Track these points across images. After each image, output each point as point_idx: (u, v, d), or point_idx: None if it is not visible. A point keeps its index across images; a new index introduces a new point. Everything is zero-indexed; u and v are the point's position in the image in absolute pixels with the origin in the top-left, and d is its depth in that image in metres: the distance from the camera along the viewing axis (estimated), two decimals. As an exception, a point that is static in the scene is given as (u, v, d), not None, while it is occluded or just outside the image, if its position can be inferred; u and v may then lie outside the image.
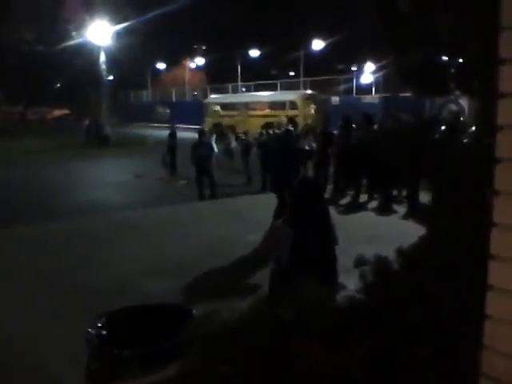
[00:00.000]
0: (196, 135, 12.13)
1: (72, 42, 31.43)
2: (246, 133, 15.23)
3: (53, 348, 4.15)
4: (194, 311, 3.32)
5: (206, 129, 16.00)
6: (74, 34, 31.46)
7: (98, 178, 15.74)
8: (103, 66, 28.81)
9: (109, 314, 3.37)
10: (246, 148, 13.78)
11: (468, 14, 2.60)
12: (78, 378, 3.30)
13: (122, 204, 10.99)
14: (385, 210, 9.36)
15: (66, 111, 48.37)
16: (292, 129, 10.57)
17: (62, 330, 4.44)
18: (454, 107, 18.52)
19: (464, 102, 18.43)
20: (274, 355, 2.45)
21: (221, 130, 18.74)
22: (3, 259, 6.60)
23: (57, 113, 49.01)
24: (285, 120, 15.45)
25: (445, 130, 8.65)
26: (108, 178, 15.39)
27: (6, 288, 5.55)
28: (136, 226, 8.44)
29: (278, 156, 9.47)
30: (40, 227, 8.37)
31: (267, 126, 14.55)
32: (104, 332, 3.13)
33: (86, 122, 27.31)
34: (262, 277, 5.06)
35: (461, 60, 3.04)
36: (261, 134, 13.53)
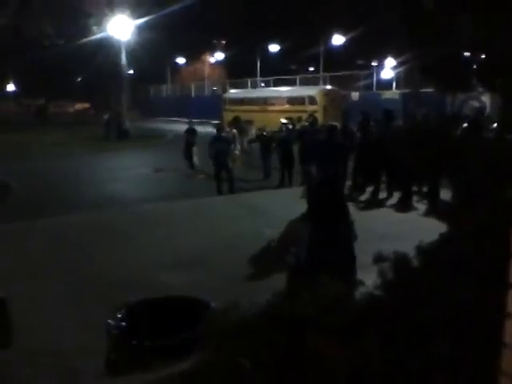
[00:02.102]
0: (214, 130, 12.19)
1: (93, 37, 31.64)
2: (264, 128, 15.15)
3: (72, 339, 4.20)
4: (212, 304, 3.34)
5: (225, 124, 15.99)
6: (94, 28, 31.66)
7: (117, 171, 15.87)
8: (124, 61, 28.96)
9: (128, 305, 3.42)
10: (265, 143, 13.70)
11: (491, 12, 2.57)
12: (96, 369, 3.36)
13: (141, 197, 11.07)
14: (404, 206, 9.27)
15: (87, 105, 48.87)
16: (337, 124, 10.55)
17: (81, 319, 4.50)
18: (475, 104, 18.28)
19: (486, 99, 18.19)
20: (290, 349, 2.46)
21: (240, 125, 18.70)
22: (23, 250, 6.71)
23: (78, 106, 49.58)
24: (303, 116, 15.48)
25: (466, 126, 8.55)
26: (127, 172, 15.51)
27: (27, 279, 5.64)
28: (154, 219, 8.50)
29: (324, 150, 9.49)
30: (59, 219, 8.48)
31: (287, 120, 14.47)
32: (123, 323, 3.18)
33: (106, 116, 27.51)
34: (280, 272, 5.06)
35: (483, 56, 3.00)
36: (280, 129, 13.43)
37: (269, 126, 15.32)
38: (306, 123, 13.35)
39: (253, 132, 17.54)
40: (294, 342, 2.49)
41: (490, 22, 2.65)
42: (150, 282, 5.45)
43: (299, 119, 15.53)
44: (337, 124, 10.68)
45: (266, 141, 13.70)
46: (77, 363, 3.85)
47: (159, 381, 2.74)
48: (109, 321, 3.12)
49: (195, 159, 15.07)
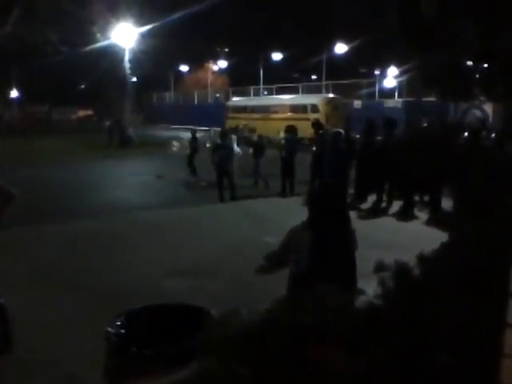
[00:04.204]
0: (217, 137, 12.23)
1: (97, 44, 31.83)
2: (261, 135, 15.07)
3: (73, 346, 4.20)
4: (211, 312, 3.32)
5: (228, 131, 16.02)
6: (98, 35, 31.85)
7: (119, 178, 15.90)
8: (127, 68, 29.14)
9: (128, 313, 3.40)
10: (258, 150, 13.69)
11: (496, 20, 2.57)
12: (97, 376, 3.34)
13: (143, 205, 11.08)
14: (406, 215, 9.26)
15: (90, 112, 49.08)
16: (341, 131, 10.55)
17: (83, 328, 4.49)
18: (478, 113, 18.30)
19: (488, 108, 18.22)
20: (292, 358, 2.44)
21: (237, 132, 18.75)
22: (28, 258, 6.71)
23: (81, 113, 49.80)
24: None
25: (468, 135, 8.56)
26: (130, 179, 15.54)
27: (31, 286, 5.64)
28: (156, 227, 8.50)
29: (329, 157, 9.54)
30: (62, 227, 8.49)
31: (288, 128, 14.40)
32: (123, 331, 3.16)
33: (108, 123, 27.59)
34: (281, 280, 5.04)
35: (486, 65, 3.01)
36: (281, 139, 13.31)
37: (271, 134, 15.31)
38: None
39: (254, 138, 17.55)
40: (295, 351, 2.48)
41: (492, 31, 2.66)
42: (152, 290, 5.44)
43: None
44: (341, 130, 10.67)
45: (257, 146, 13.77)
46: (76, 371, 3.84)
47: (158, 389, 2.72)
48: (108, 328, 3.11)
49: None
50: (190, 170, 15.24)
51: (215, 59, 50.57)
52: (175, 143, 15.29)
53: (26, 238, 7.68)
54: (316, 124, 12.55)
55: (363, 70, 42.51)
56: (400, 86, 30.01)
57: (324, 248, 4.00)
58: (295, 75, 47.29)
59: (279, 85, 36.90)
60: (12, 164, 16.54)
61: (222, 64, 50.73)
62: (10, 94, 44.00)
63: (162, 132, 34.66)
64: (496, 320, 1.55)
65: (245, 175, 13.73)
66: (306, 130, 15.69)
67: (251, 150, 14.03)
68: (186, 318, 3.34)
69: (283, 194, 12.00)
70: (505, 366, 1.49)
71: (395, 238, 7.37)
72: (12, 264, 6.28)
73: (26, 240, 7.56)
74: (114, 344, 3.05)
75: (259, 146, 13.73)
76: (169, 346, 2.94)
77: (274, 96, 35.17)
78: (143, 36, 31.11)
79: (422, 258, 2.80)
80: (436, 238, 3.03)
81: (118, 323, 3.21)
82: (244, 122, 20.39)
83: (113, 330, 3.11)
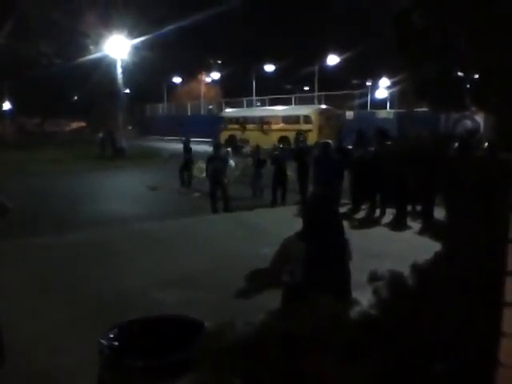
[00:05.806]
0: (210, 148, 12.24)
1: (90, 56, 31.89)
2: (258, 146, 15.15)
3: (65, 358, 4.16)
4: (205, 324, 3.31)
5: (221, 142, 16.04)
6: (91, 48, 31.93)
7: (112, 189, 15.84)
8: (120, 80, 29.19)
9: (121, 325, 3.38)
10: (257, 162, 13.74)
11: (486, 30, 2.60)
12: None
13: (136, 216, 11.04)
14: (399, 225, 9.28)
15: (82, 124, 48.96)
16: (330, 141, 10.64)
17: (75, 340, 4.45)
18: (469, 123, 18.43)
19: (480, 118, 18.36)
20: (287, 369, 2.43)
21: (235, 144, 18.80)
22: (18, 269, 6.66)
23: (74, 125, 49.65)
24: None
25: (459, 145, 8.62)
26: (122, 190, 15.49)
27: (20, 298, 5.59)
28: (149, 238, 8.46)
29: (318, 167, 9.63)
30: (55, 238, 8.44)
31: (281, 139, 14.54)
32: (116, 343, 3.13)
33: (100, 135, 27.57)
34: (275, 291, 5.04)
35: (476, 75, 3.03)
36: (275, 148, 13.43)
37: (265, 145, 15.35)
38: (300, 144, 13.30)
39: (247, 150, 17.58)
40: (290, 361, 2.47)
41: (484, 41, 2.69)
42: (145, 301, 5.41)
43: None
44: (329, 141, 10.76)
45: (257, 157, 13.81)
46: (69, 382, 3.80)
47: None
48: (101, 340, 3.08)
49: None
50: (181, 181, 15.20)
51: (208, 71, 50.74)
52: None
53: (16, 249, 7.62)
54: (298, 134, 12.93)
55: (355, 81, 42.81)
56: (392, 97, 30.23)
57: (318, 258, 4.00)
58: (288, 86, 47.51)
59: (272, 96, 37.05)
60: (3, 175, 16.46)
61: (215, 75, 50.91)
62: (2, 106, 43.85)
63: (155, 143, 34.66)
64: (491, 328, 1.55)
65: (241, 186, 13.74)
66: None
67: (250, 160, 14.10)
68: (180, 329, 3.32)
69: (274, 204, 12.04)
70: (500, 374, 1.49)
71: (388, 247, 7.38)
72: (1, 275, 6.24)
73: (16, 251, 7.50)
74: (108, 356, 3.03)
75: (259, 159, 13.77)
76: (162, 358, 2.93)
77: (268, 107, 35.27)
78: (136, 48, 31.21)
79: (415, 268, 2.81)
80: (429, 247, 3.04)
81: (111, 335, 3.19)
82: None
83: (106, 343, 3.08)
